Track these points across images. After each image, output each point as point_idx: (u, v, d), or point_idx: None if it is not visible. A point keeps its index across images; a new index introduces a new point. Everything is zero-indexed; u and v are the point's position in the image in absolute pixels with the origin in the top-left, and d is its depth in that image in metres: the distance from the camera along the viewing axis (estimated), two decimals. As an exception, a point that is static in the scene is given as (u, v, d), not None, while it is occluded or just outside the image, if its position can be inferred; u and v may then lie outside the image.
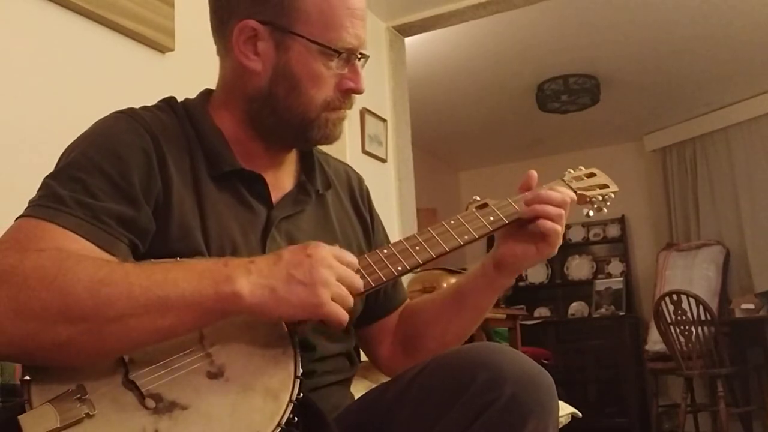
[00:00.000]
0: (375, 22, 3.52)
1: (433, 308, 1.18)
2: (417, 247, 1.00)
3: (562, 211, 1.07)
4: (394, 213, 3.50)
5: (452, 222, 1.05)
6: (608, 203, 1.22)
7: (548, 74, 4.69)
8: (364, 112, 3.29)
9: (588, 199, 1.20)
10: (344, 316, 0.86)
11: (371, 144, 3.33)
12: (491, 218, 1.07)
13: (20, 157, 1.69)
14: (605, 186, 1.24)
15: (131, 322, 0.80)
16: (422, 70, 4.31)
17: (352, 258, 0.91)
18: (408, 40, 3.74)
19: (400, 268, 0.98)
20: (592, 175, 1.25)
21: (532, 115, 5.22)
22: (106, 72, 1.98)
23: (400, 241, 1.01)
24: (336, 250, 0.90)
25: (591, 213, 1.21)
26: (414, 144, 3.74)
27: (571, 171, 1.24)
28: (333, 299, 0.85)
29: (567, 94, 4.77)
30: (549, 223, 1.06)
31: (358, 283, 0.90)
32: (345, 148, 3.10)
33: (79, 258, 0.82)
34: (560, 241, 1.09)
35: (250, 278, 0.83)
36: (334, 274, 0.86)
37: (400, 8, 3.49)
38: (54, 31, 1.87)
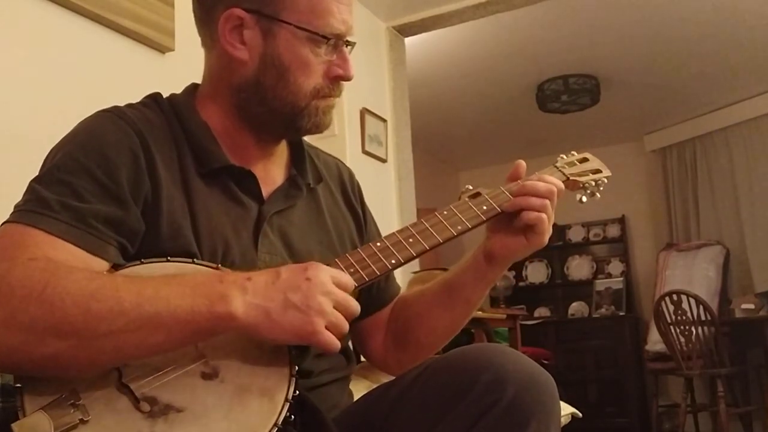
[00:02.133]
0: (375, 22, 3.52)
1: (424, 302, 1.17)
2: (410, 240, 0.99)
3: (546, 201, 1.06)
4: (394, 213, 3.50)
5: (445, 213, 1.04)
6: (601, 188, 1.21)
7: (548, 74, 4.69)
8: (364, 112, 3.29)
9: (581, 185, 1.18)
10: (336, 346, 0.86)
11: (371, 144, 3.33)
12: (484, 207, 1.06)
13: (20, 157, 1.69)
14: (598, 171, 1.22)
15: (121, 338, 0.79)
16: (422, 70, 4.30)
17: (350, 281, 0.90)
18: (408, 40, 3.74)
19: (393, 261, 0.97)
20: (584, 160, 1.24)
21: (532, 115, 5.21)
22: (106, 72, 1.98)
23: (394, 233, 1.00)
24: (335, 272, 0.89)
25: (584, 199, 1.20)
26: (414, 144, 3.74)
27: (564, 156, 1.22)
28: (327, 327, 0.84)
29: (567, 94, 4.77)
30: (532, 214, 1.04)
31: (355, 308, 0.89)
32: (345, 148, 3.10)
33: (69, 270, 0.81)
34: (549, 231, 1.08)
35: (245, 297, 0.82)
36: (331, 300, 0.85)
37: (400, 8, 3.49)
38: (54, 31, 1.87)
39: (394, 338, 1.19)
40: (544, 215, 1.05)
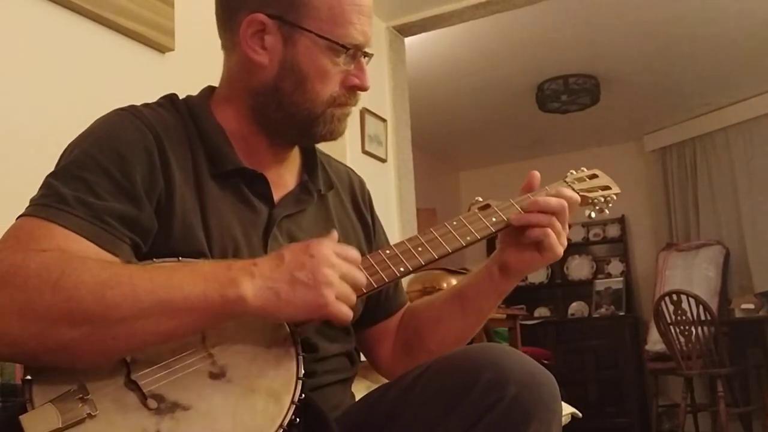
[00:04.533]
0: (375, 22, 3.49)
1: (435, 311, 1.18)
2: (419, 248, 1.00)
3: (553, 218, 1.06)
4: (394, 213, 3.50)
5: (454, 223, 1.05)
6: (610, 204, 1.23)
7: (548, 74, 4.69)
8: (364, 112, 3.29)
9: (590, 201, 1.20)
10: (348, 314, 0.86)
11: (371, 144, 3.33)
12: (493, 219, 1.07)
13: (20, 157, 1.69)
14: (607, 187, 1.24)
15: (135, 325, 0.79)
16: (422, 70, 4.31)
17: (354, 253, 0.91)
18: (408, 40, 3.74)
19: (402, 269, 0.98)
20: (594, 176, 1.26)
21: (532, 115, 5.22)
22: (106, 72, 1.98)
23: (403, 242, 1.01)
24: (338, 246, 0.89)
25: (593, 214, 1.21)
26: (414, 144, 3.74)
27: (574, 172, 1.24)
28: (337, 298, 0.85)
29: (567, 94, 4.77)
30: (537, 230, 1.05)
31: (361, 278, 0.90)
32: (345, 148, 3.09)
33: (83, 259, 0.82)
34: (563, 244, 1.09)
35: (254, 281, 0.83)
36: (337, 272, 0.86)
37: (400, 8, 3.49)
38: (54, 31, 1.87)
39: (403, 347, 1.20)
40: (549, 231, 1.06)
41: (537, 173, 1.14)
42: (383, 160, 3.44)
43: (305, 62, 1.01)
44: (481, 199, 1.10)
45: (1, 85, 1.72)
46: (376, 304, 1.17)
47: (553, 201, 1.07)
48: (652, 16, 3.94)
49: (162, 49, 2.14)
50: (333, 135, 1.07)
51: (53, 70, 1.85)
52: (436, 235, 1.03)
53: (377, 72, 3.49)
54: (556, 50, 4.32)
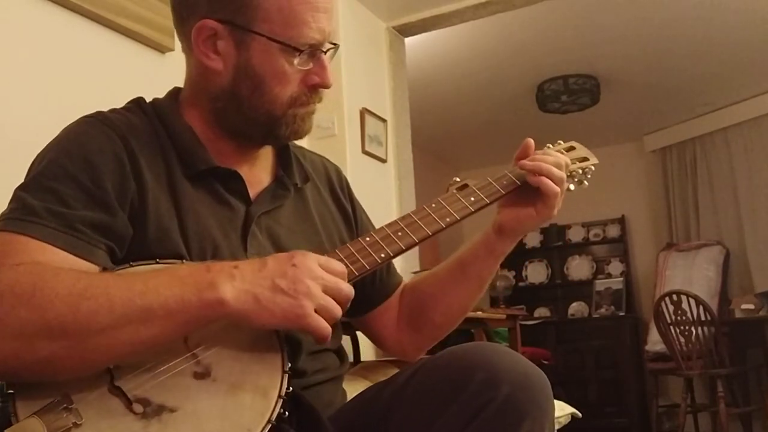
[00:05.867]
0: (375, 22, 3.52)
1: (436, 282, 1.18)
2: (399, 233, 1.00)
3: (564, 175, 1.09)
4: (394, 213, 3.50)
5: (433, 205, 1.05)
6: (589, 176, 1.23)
7: (548, 74, 4.69)
8: (364, 112, 3.29)
9: (569, 174, 1.19)
10: (327, 330, 0.85)
11: (371, 144, 3.33)
12: (472, 199, 1.07)
13: (19, 157, 1.69)
14: (585, 159, 1.23)
15: (114, 334, 0.79)
16: (422, 70, 4.31)
17: (340, 266, 0.90)
18: (408, 40, 3.74)
19: (383, 255, 0.97)
20: (571, 148, 1.25)
21: (532, 115, 5.22)
22: (106, 72, 1.98)
23: (383, 227, 1.01)
24: (323, 259, 0.88)
25: (572, 187, 1.20)
26: (414, 144, 3.74)
27: (551, 146, 1.23)
28: (317, 311, 0.84)
29: (567, 94, 4.77)
30: (551, 184, 1.07)
31: (347, 291, 0.88)
32: (345, 148, 3.10)
33: (57, 271, 0.81)
34: (559, 205, 1.10)
35: (234, 284, 0.82)
36: (319, 284, 0.85)
37: (400, 8, 3.49)
38: (54, 31, 1.88)
39: (408, 322, 1.20)
40: (557, 188, 1.08)
41: (531, 141, 1.14)
42: (383, 161, 3.44)
43: (260, 65, 0.99)
44: (458, 179, 1.10)
45: (0, 84, 1.73)
46: (371, 289, 1.17)
47: (561, 157, 1.12)
48: (652, 16, 3.93)
49: (162, 49, 2.15)
50: (298, 135, 1.05)
51: (53, 70, 1.86)
52: (416, 218, 1.02)
53: (377, 72, 3.49)
54: (556, 50, 4.32)
